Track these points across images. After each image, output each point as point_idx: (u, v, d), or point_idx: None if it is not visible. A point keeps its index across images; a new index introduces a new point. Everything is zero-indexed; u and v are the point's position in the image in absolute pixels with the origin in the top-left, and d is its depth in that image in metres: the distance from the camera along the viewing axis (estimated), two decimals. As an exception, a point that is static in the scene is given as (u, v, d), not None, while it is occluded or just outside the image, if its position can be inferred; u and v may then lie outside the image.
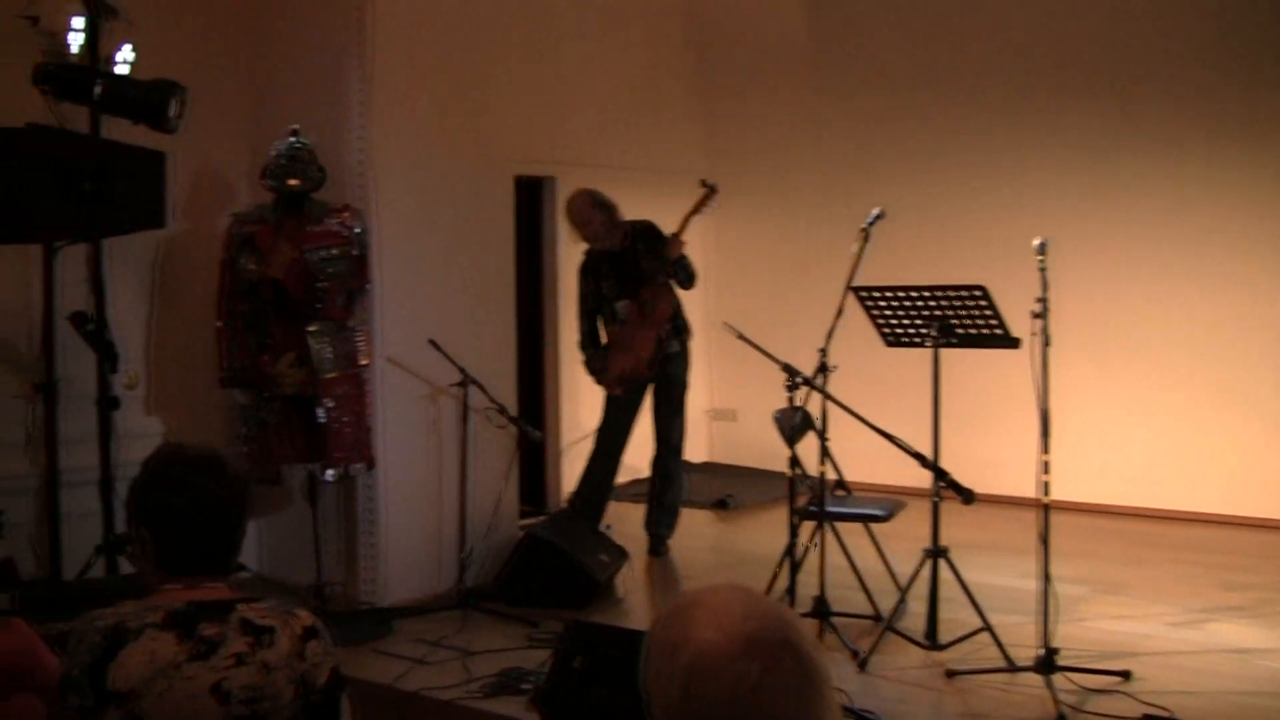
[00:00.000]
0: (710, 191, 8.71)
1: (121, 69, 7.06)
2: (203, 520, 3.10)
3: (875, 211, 7.17)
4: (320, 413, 7.25)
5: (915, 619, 6.75)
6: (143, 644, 2.93)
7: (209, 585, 3.12)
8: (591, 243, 8.85)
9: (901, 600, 6.80)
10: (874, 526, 7.47)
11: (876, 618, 6.86)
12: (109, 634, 2.95)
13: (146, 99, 6.69)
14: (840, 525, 7.10)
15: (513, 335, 8.58)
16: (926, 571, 6.55)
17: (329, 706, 3.15)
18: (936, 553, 6.51)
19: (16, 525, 6.82)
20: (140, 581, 3.20)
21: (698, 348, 11.71)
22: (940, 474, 6.41)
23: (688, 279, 8.81)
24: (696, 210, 8.74)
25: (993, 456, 9.40)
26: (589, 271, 8.96)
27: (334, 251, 7.26)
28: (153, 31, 7.40)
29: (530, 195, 10.62)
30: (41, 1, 6.68)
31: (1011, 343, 6.50)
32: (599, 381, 9.00)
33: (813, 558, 6.82)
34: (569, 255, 10.90)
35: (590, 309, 9.02)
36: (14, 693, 4.39)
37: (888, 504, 7.52)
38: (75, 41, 6.71)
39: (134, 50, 7.13)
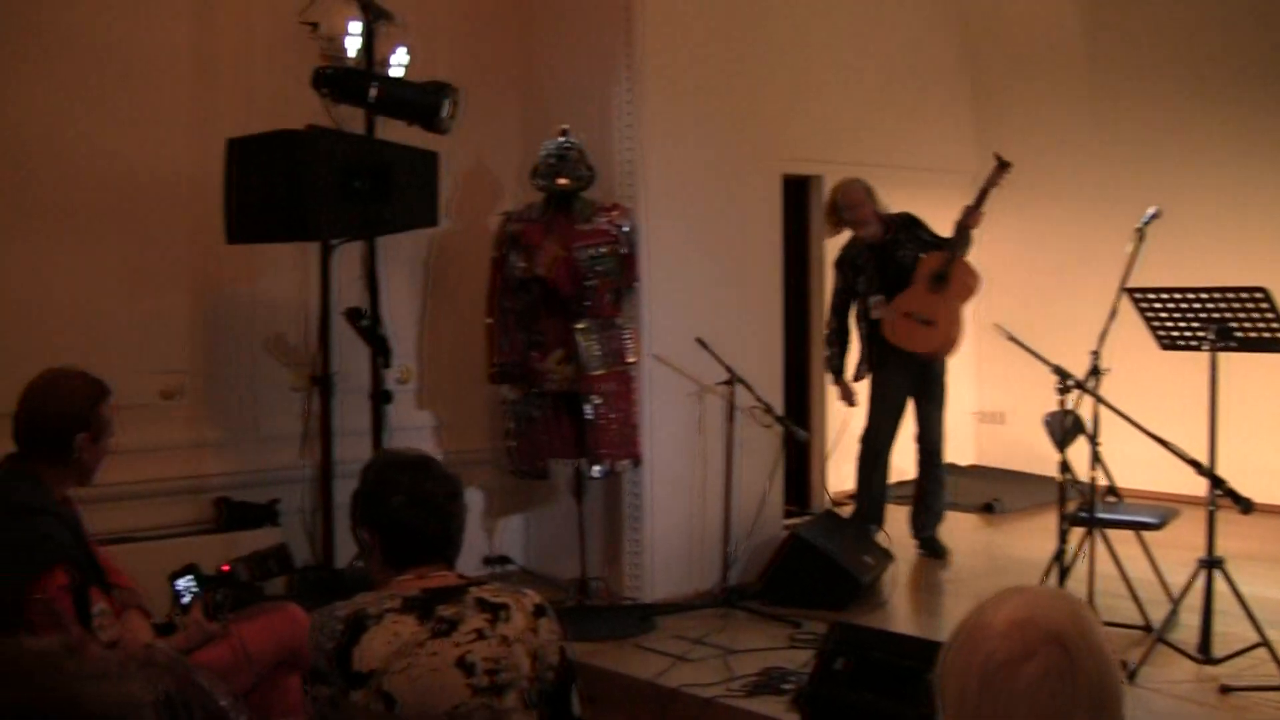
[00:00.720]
0: (1003, 165, 8.45)
1: (396, 71, 7.25)
2: (422, 515, 3.32)
3: (1151, 211, 7.00)
4: (587, 409, 7.33)
5: (1188, 631, 6.56)
6: (385, 627, 3.13)
7: (436, 574, 3.32)
8: (857, 229, 8.71)
9: (1173, 611, 6.61)
10: (1146, 535, 7.27)
11: (1147, 628, 6.67)
12: (350, 621, 3.16)
13: (420, 100, 6.84)
14: (1110, 532, 6.92)
15: (779, 334, 8.55)
16: (1200, 582, 6.36)
17: (561, 686, 3.32)
18: (1211, 563, 6.31)
19: (292, 514, 7.05)
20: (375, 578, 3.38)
21: (966, 349, 11.56)
22: (1217, 481, 6.22)
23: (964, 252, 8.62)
24: (992, 184, 8.50)
25: (1273, 464, 9.08)
26: (846, 264, 8.87)
27: (603, 250, 7.32)
28: (424, 34, 7.59)
29: (796, 194, 10.60)
30: (320, 7, 6.87)
31: (1295, 347, 6.28)
32: (835, 382, 9.02)
33: (1081, 565, 6.68)
34: (836, 253, 10.88)
35: (843, 303, 8.90)
36: (286, 673, 4.57)
37: (1161, 511, 7.31)
38: (352, 45, 6.90)
39: (408, 53, 7.31)
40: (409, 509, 3.31)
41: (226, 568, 4.47)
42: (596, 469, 7.38)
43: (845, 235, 8.88)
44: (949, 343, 8.52)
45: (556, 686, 3.31)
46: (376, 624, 3.13)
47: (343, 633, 3.14)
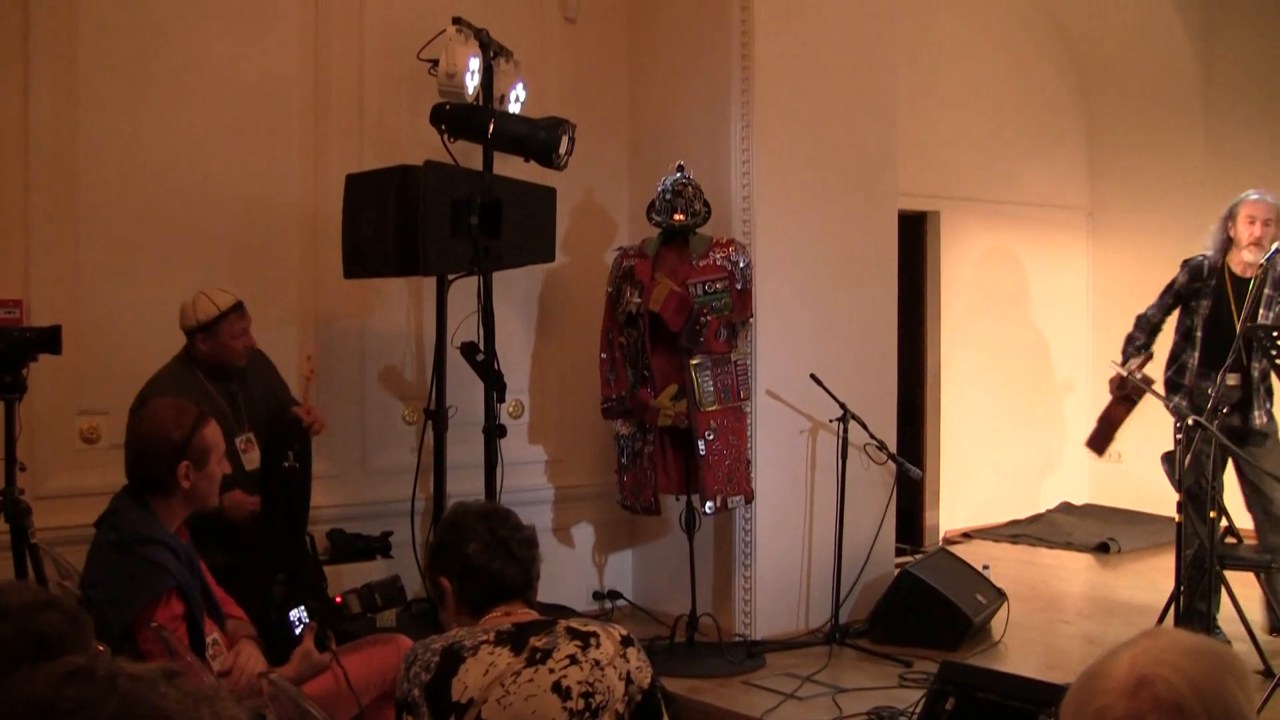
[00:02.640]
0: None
1: (513, 107, 7.29)
2: (500, 559, 3.42)
3: (1275, 247, 6.89)
4: (700, 445, 7.30)
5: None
6: (480, 658, 3.20)
7: (520, 612, 3.41)
8: (1259, 244, 7.43)
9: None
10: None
11: (1267, 672, 6.53)
12: (445, 654, 3.23)
13: (538, 136, 6.86)
14: (1229, 574, 6.78)
15: (894, 371, 8.47)
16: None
17: (652, 705, 3.38)
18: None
19: (404, 547, 7.08)
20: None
21: (1081, 387, 11.44)
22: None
23: None
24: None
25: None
26: (1193, 293, 7.66)
27: (717, 285, 7.30)
28: (534, 70, 7.65)
29: (912, 229, 10.55)
30: (440, 44, 6.94)
31: None
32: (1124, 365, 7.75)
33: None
34: (951, 290, 10.81)
35: (1184, 336, 7.73)
36: (389, 705, 4.59)
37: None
38: (471, 82, 6.94)
39: (525, 89, 7.36)
40: (486, 554, 3.42)
41: (339, 599, 4.49)
42: (708, 505, 7.35)
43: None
44: None
45: (645, 702, 3.36)
46: (472, 655, 3.20)
47: (438, 665, 3.20)
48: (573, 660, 3.23)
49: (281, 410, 6.42)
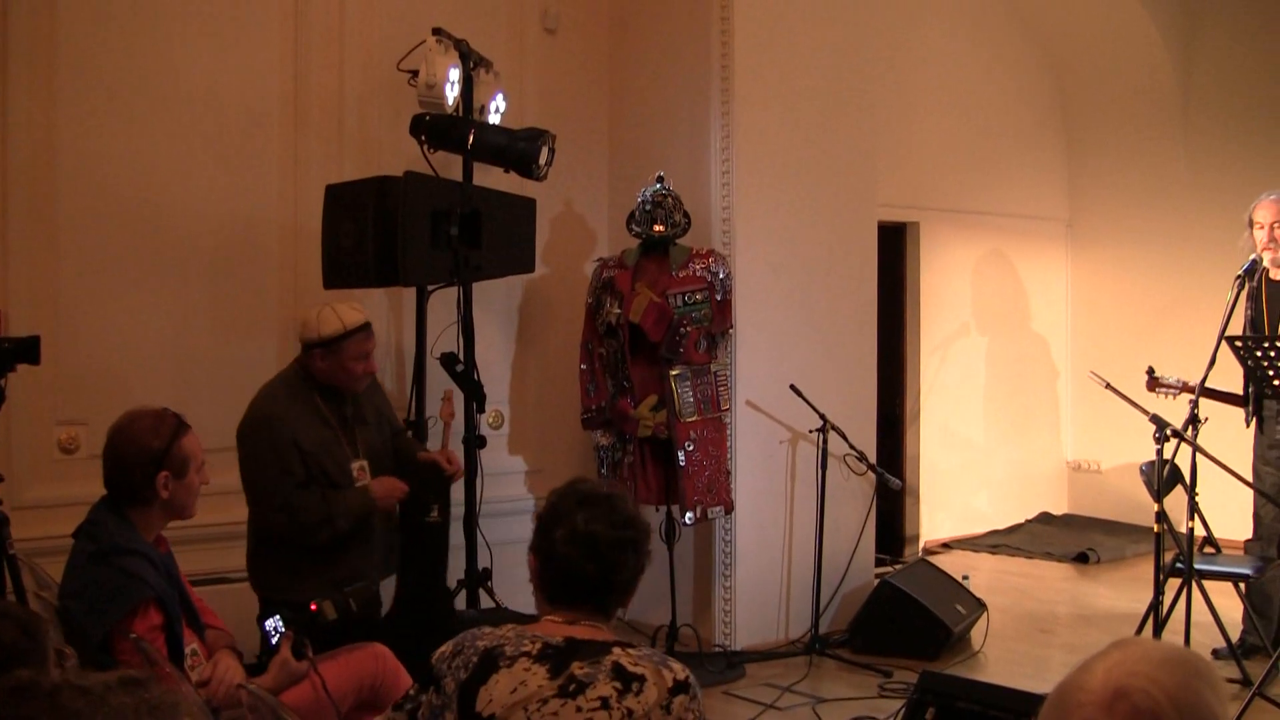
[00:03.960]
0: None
1: (494, 118, 7.29)
2: (582, 555, 3.14)
3: (1251, 259, 6.91)
4: (680, 455, 7.30)
5: (1289, 685, 6.44)
6: (514, 672, 2.99)
7: (587, 623, 3.15)
8: (1271, 247, 7.22)
9: (1274, 665, 6.49)
10: (1245, 587, 7.16)
11: (1245, 682, 6.54)
12: (484, 655, 3.04)
13: (518, 147, 6.86)
14: (1208, 584, 6.80)
15: (873, 382, 8.48)
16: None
17: None
18: (1313, 616, 6.20)
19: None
20: (501, 614, 3.29)
21: (1061, 396, 11.49)
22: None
23: None
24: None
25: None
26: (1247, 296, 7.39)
27: (697, 296, 7.31)
28: (514, 82, 7.65)
29: (892, 240, 10.57)
30: (420, 55, 6.94)
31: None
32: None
33: (1177, 616, 6.57)
34: (931, 300, 10.83)
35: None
36: (368, 714, 4.58)
37: (1259, 562, 7.19)
38: (451, 93, 6.94)
39: (505, 100, 7.36)
40: (569, 544, 3.14)
41: (314, 607, 4.47)
42: (688, 516, 7.35)
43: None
44: None
45: None
46: (508, 667, 3.01)
47: (476, 666, 3.04)
48: (604, 704, 2.96)
49: (398, 446, 6.19)
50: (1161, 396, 7.39)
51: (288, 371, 5.87)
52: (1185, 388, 7.22)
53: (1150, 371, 7.41)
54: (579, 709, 2.94)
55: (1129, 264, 11.70)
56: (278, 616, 4.39)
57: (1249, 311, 7.28)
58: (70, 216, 6.59)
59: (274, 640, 4.36)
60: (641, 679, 3.01)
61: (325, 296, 6.91)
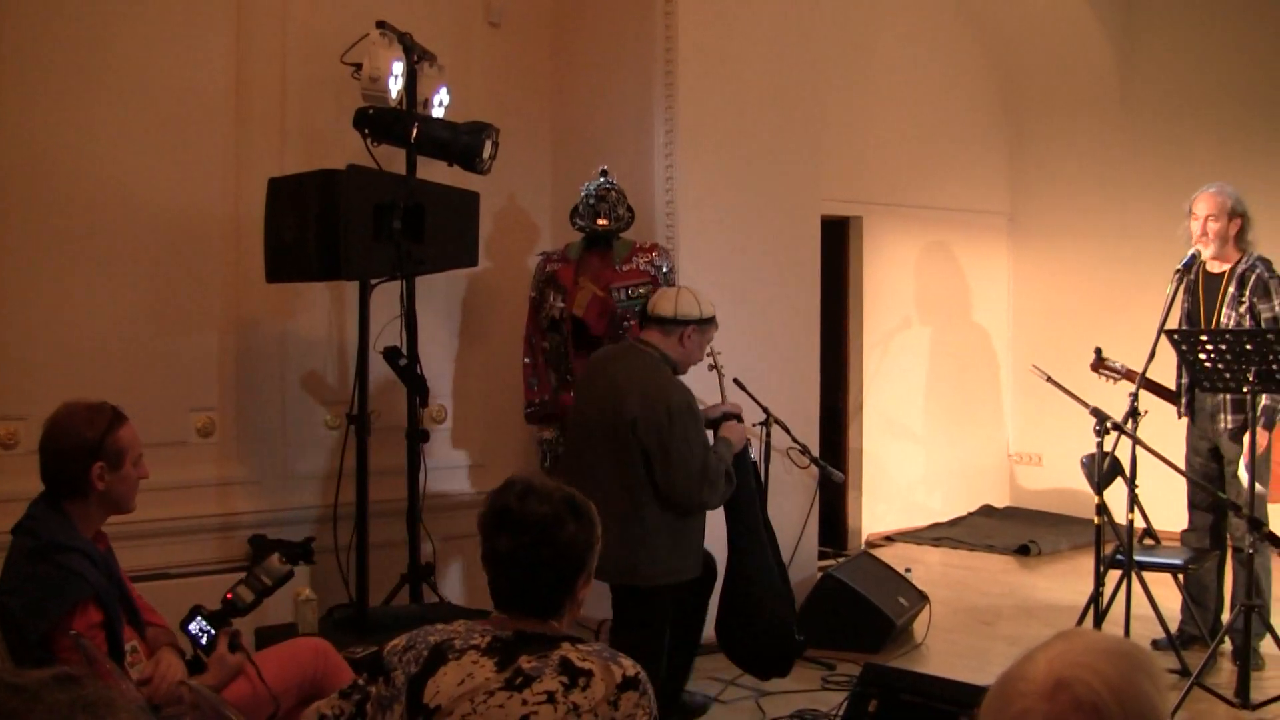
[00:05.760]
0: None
1: (437, 112, 7.26)
2: (498, 574, 3.16)
3: (1190, 253, 6.98)
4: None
5: (1226, 675, 6.49)
6: (462, 664, 3.00)
7: (536, 619, 3.14)
8: (1205, 239, 7.30)
9: (1211, 655, 6.55)
10: (1183, 578, 7.23)
11: (1184, 672, 6.60)
12: (434, 649, 3.04)
13: (461, 141, 6.83)
14: (1147, 575, 6.86)
15: (816, 375, 8.49)
16: (1239, 626, 6.31)
17: None
18: (1250, 607, 6.26)
19: (326, 552, 7.03)
20: (444, 609, 3.28)
21: (1003, 389, 11.55)
22: (1256, 524, 6.18)
23: None
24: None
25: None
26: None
27: (640, 290, 7.30)
28: (458, 76, 7.61)
29: (835, 234, 10.61)
30: (363, 49, 6.91)
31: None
32: None
33: (1118, 607, 6.62)
34: (873, 294, 10.87)
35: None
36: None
37: (1195, 553, 7.26)
38: (394, 86, 6.91)
39: (449, 93, 7.33)
40: (488, 562, 3.16)
41: (229, 595, 4.44)
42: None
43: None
44: None
45: None
46: (456, 659, 3.01)
47: (425, 659, 3.04)
48: (550, 698, 2.94)
49: None
50: (1103, 378, 7.47)
51: (650, 357, 6.09)
52: (1128, 374, 7.30)
53: (1098, 352, 7.49)
54: (524, 702, 2.93)
55: (1069, 257, 11.79)
56: (200, 617, 4.36)
57: (1186, 304, 7.36)
58: (8, 209, 6.51)
59: (203, 641, 4.33)
60: (589, 674, 2.99)
61: (268, 290, 6.88)
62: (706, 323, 6.19)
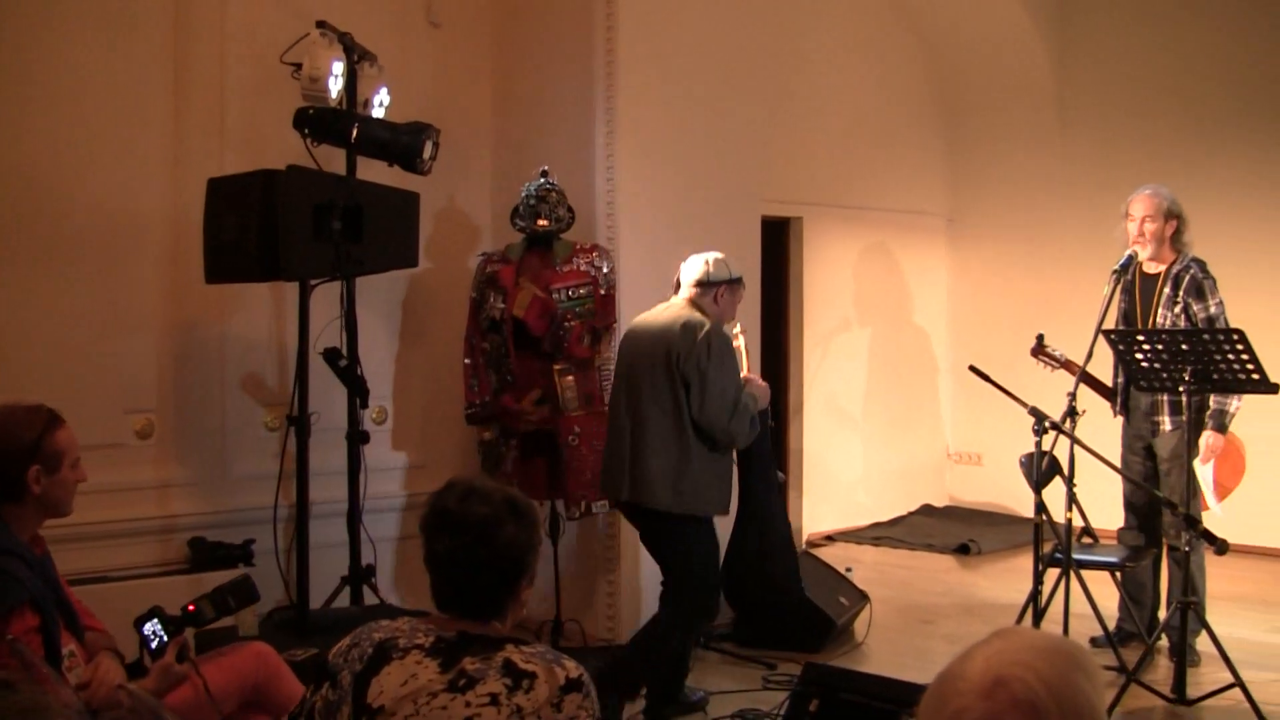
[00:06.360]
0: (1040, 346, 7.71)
1: (378, 112, 7.24)
2: (439, 577, 3.15)
3: (1127, 254, 7.04)
4: (564, 450, 7.31)
5: (1163, 671, 6.55)
6: (406, 664, 2.99)
7: (479, 621, 3.13)
8: (1142, 241, 7.32)
9: (1148, 652, 6.60)
10: (1120, 576, 7.29)
11: (1121, 669, 6.65)
12: (379, 647, 3.03)
13: (402, 141, 6.81)
14: (1085, 573, 6.90)
15: (757, 375, 8.48)
16: (1175, 623, 6.36)
17: None
18: (1186, 604, 6.31)
19: (266, 554, 7.00)
20: (384, 611, 3.26)
21: (942, 390, 11.60)
22: (1191, 522, 6.23)
23: None
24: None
25: (1249, 506, 9.08)
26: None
27: (580, 291, 7.32)
28: (398, 76, 7.58)
29: (775, 235, 10.63)
30: (303, 48, 6.87)
31: (1270, 388, 6.27)
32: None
33: (1056, 606, 6.66)
34: (813, 295, 10.91)
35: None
36: (253, 713, 4.52)
37: (1132, 551, 7.32)
38: (334, 86, 6.88)
39: (389, 94, 7.31)
40: (429, 564, 3.15)
41: (192, 607, 4.42)
42: (572, 510, 7.36)
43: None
44: None
45: None
46: (400, 659, 3.00)
47: (371, 656, 3.03)
48: (493, 700, 2.93)
49: None
50: (1041, 364, 7.52)
51: (691, 308, 6.38)
52: (1067, 365, 7.36)
53: (1040, 338, 7.54)
54: (468, 704, 2.93)
55: (1007, 258, 11.86)
56: (156, 620, 4.33)
57: (1123, 305, 7.42)
58: (-57, 211, 6.46)
59: (152, 645, 4.30)
60: (532, 676, 2.98)
61: (207, 291, 6.84)
62: (735, 282, 6.48)
